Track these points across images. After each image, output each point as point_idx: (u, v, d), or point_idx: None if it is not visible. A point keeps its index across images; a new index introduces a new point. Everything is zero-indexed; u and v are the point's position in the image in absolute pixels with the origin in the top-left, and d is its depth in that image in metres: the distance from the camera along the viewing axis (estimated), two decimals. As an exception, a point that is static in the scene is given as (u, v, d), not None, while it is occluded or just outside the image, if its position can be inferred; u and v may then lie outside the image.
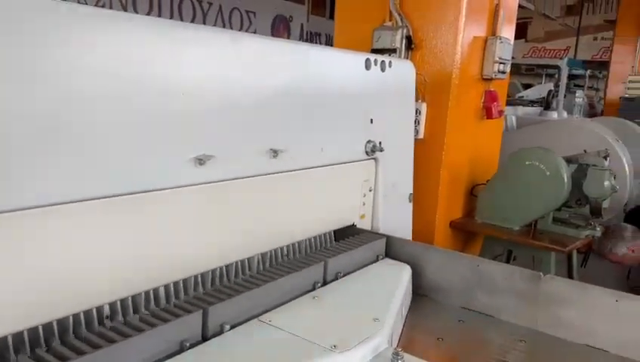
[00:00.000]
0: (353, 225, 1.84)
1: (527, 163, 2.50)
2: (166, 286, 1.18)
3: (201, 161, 1.21)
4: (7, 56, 0.87)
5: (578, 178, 2.48)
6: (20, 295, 0.93)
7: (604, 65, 10.44)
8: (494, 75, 2.75)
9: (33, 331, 0.95)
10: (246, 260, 1.39)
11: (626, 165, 3.49)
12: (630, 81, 7.99)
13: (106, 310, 1.06)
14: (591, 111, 8.46)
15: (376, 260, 1.70)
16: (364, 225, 1.88)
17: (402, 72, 2.00)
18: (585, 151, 2.56)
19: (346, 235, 1.75)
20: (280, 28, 9.08)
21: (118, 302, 1.08)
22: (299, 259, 1.46)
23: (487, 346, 1.40)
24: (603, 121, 4.53)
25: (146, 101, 1.10)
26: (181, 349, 1.06)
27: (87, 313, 1.03)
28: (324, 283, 1.46)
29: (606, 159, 2.47)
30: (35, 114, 0.91)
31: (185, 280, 1.22)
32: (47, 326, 0.97)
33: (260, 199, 1.42)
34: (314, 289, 1.42)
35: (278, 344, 1.12)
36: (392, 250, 1.75)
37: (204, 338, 1.11)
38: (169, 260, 1.20)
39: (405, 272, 1.61)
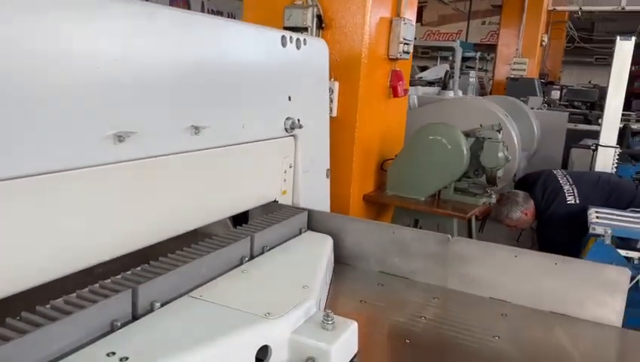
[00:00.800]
0: (275, 201, 1.87)
1: (430, 137, 2.69)
2: (93, 268, 1.14)
3: (120, 137, 1.17)
4: None
5: (475, 150, 2.70)
6: None
7: (492, 47, 11.28)
8: (399, 55, 2.90)
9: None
10: (171, 239, 1.38)
11: (515, 138, 3.86)
12: (515, 63, 8.73)
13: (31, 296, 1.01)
14: (482, 91, 9.17)
15: (300, 233, 1.75)
16: (285, 200, 1.92)
17: (316, 50, 2.04)
18: (481, 125, 2.79)
19: (270, 211, 1.78)
20: (179, 3, 8.74)
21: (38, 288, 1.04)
22: (225, 235, 1.47)
23: (405, 305, 1.52)
24: (493, 99, 4.95)
25: (60, 75, 1.04)
26: (112, 329, 1.04)
27: (9, 299, 0.98)
28: (252, 257, 1.49)
29: (499, 132, 2.71)
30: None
31: (112, 261, 1.19)
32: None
33: (182, 177, 1.41)
34: (242, 263, 1.44)
35: (211, 317, 1.13)
36: (313, 222, 1.81)
37: (134, 317, 1.10)
38: (92, 242, 1.16)
39: (327, 242, 1.68)
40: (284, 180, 1.92)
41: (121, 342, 0.99)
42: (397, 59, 2.92)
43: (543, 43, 9.25)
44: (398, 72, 2.95)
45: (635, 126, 6.15)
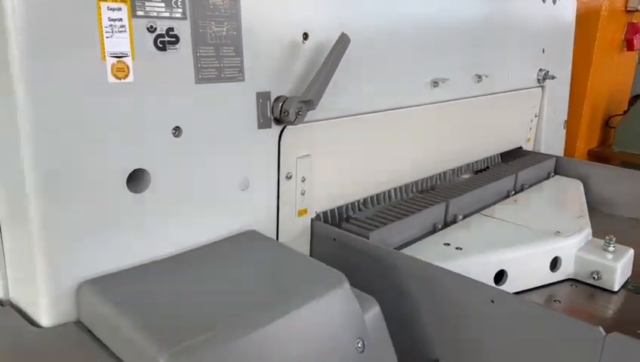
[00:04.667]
0: (520, 148, 2.05)
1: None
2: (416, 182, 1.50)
3: (435, 83, 1.46)
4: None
5: None
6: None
7: None
8: (638, 6, 2.77)
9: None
10: (456, 169, 1.68)
11: None
12: None
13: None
14: None
15: (548, 177, 1.91)
16: (527, 147, 2.09)
17: (569, 3, 2.12)
18: None
19: (516, 156, 1.97)
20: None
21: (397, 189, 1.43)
22: (496, 171, 1.71)
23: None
24: None
25: (409, 35, 1.35)
26: (434, 230, 1.36)
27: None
28: (515, 191, 1.71)
29: None
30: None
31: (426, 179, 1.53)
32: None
33: (465, 117, 1.67)
34: (508, 196, 1.67)
35: (508, 230, 1.38)
36: (559, 168, 1.96)
37: (445, 224, 1.41)
38: (420, 162, 1.50)
39: (579, 185, 1.82)
40: (530, 128, 2.08)
41: (450, 237, 1.30)
42: (636, 10, 2.80)
43: None
44: (636, 25, 2.82)
45: None
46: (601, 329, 0.82)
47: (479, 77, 1.63)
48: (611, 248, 1.31)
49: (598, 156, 2.86)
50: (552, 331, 0.87)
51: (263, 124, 1.00)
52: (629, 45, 2.84)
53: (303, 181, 1.16)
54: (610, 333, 0.81)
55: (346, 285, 0.86)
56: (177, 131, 0.87)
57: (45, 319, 0.78)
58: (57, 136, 0.73)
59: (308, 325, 0.78)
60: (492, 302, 0.93)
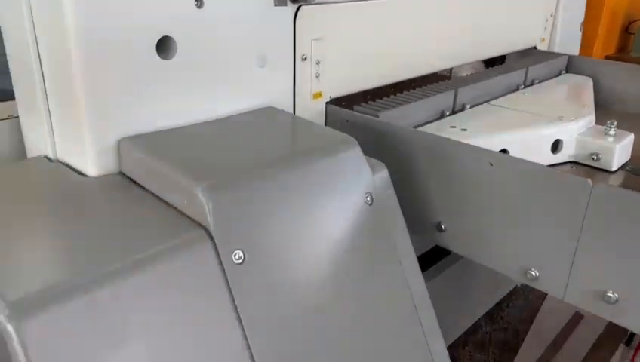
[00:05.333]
0: (535, 48, 2.06)
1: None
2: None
3: (448, -28, 1.47)
4: None
5: None
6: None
7: None
8: None
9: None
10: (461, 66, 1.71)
11: None
12: None
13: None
14: None
15: (559, 74, 1.94)
16: (543, 47, 2.10)
17: None
18: None
19: (531, 54, 1.99)
20: None
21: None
22: (506, 66, 1.75)
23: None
24: None
25: None
26: (442, 116, 1.43)
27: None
28: (525, 86, 1.75)
29: None
30: None
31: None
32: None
33: (480, 13, 1.68)
34: (517, 89, 1.72)
35: (514, 116, 1.45)
36: (571, 67, 1.98)
37: (453, 111, 1.47)
38: (433, 53, 1.55)
39: (588, 81, 1.85)
40: (545, 28, 2.08)
41: (456, 122, 1.38)
42: None
43: None
44: None
45: None
46: (589, 181, 0.91)
47: (493, -31, 1.62)
48: (612, 132, 1.37)
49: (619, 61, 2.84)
50: (544, 186, 0.96)
51: (279, 1, 1.06)
52: (656, -56, 2.73)
53: (317, 64, 1.22)
54: (596, 184, 0.90)
55: (358, 147, 0.96)
56: (199, 2, 0.93)
57: (92, 170, 0.89)
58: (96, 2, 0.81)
59: (324, 175, 0.88)
60: (490, 164, 1.02)
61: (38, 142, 0.98)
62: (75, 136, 0.88)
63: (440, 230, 1.12)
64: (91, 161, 0.88)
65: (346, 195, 0.91)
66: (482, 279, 2.10)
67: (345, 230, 0.89)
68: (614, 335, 2.12)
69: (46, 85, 0.91)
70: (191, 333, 0.70)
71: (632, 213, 0.86)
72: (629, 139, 1.38)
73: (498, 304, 2.24)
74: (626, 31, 2.90)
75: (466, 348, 2.01)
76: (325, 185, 0.89)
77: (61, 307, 0.61)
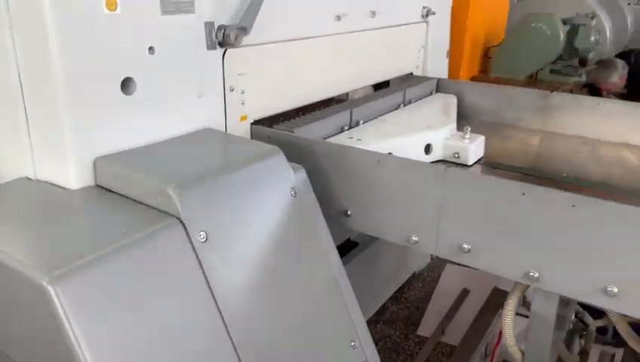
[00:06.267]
0: (411, 73, 2.53)
1: (532, 25, 3.15)
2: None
3: (338, 17, 1.86)
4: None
5: (570, 36, 3.14)
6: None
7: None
8: (507, -49, 3.30)
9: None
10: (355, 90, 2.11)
11: (607, 29, 4.15)
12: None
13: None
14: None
15: (431, 94, 2.41)
16: (418, 73, 2.57)
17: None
18: (577, 14, 3.20)
19: (408, 80, 2.45)
20: None
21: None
22: (388, 90, 2.17)
23: (513, 138, 2.17)
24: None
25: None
26: (341, 130, 1.80)
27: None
28: (404, 104, 2.19)
29: (593, 19, 3.12)
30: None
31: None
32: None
33: (365, 47, 2.09)
34: (398, 107, 2.15)
35: (397, 127, 1.85)
36: (440, 88, 2.46)
37: (350, 126, 1.85)
38: (330, 81, 1.90)
39: (453, 98, 2.33)
40: (418, 57, 2.56)
41: (353, 133, 1.75)
42: (504, -45, 3.33)
43: None
44: (505, -32, 3.37)
45: None
46: (443, 166, 1.30)
47: (373, 13, 2.04)
48: (467, 135, 1.82)
49: (480, 81, 3.44)
50: (416, 174, 1.34)
51: (210, 46, 1.36)
52: (501, -14, 3.38)
53: (242, 93, 1.53)
54: (449, 168, 1.29)
55: (281, 154, 1.28)
56: (152, 50, 1.21)
57: (75, 183, 1.12)
58: (77, 54, 1.06)
59: (259, 175, 1.19)
60: (378, 162, 1.39)
61: (15, 167, 1.19)
62: (58, 157, 1.11)
63: (346, 215, 1.47)
64: (74, 176, 1.12)
65: (276, 189, 1.22)
66: (386, 267, 2.50)
67: (278, 215, 1.20)
68: (494, 304, 2.58)
69: (28, 118, 1.13)
70: (176, 296, 0.96)
71: (468, 185, 1.26)
72: (481, 139, 1.84)
73: (401, 288, 2.66)
74: (486, 55, 3.52)
75: (378, 326, 2.38)
76: (261, 182, 1.19)
77: (87, 273, 0.86)
